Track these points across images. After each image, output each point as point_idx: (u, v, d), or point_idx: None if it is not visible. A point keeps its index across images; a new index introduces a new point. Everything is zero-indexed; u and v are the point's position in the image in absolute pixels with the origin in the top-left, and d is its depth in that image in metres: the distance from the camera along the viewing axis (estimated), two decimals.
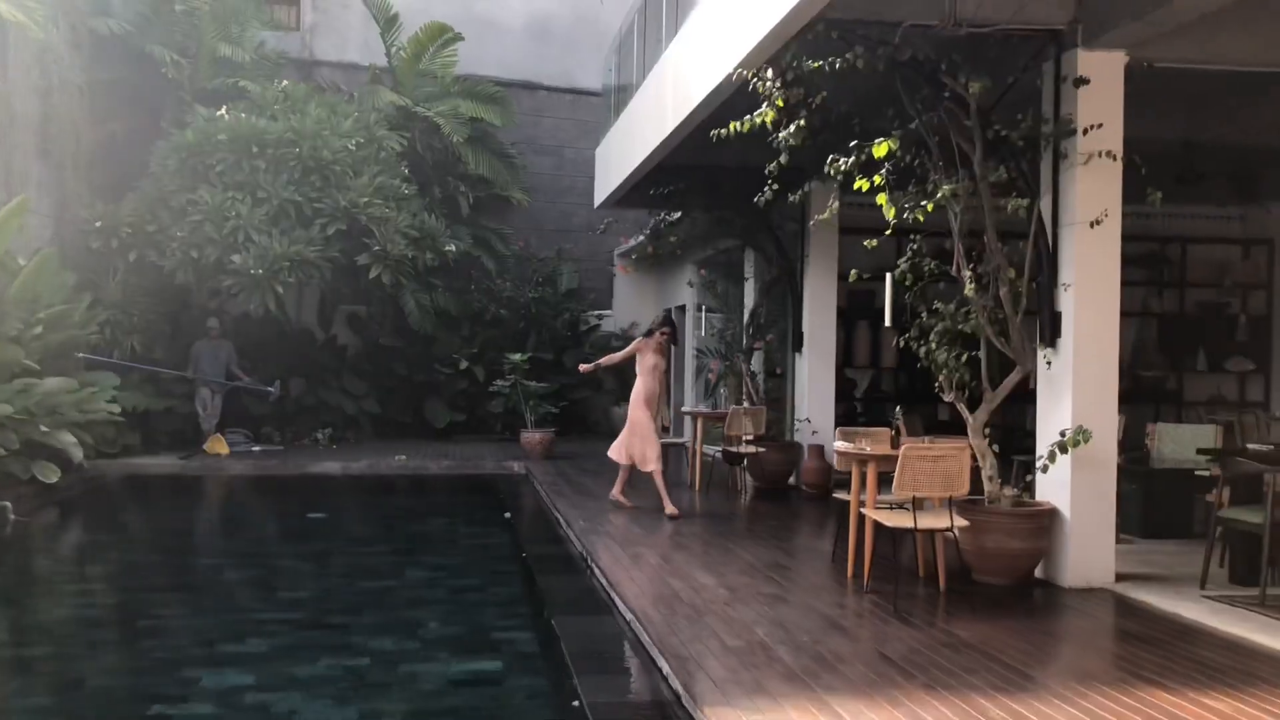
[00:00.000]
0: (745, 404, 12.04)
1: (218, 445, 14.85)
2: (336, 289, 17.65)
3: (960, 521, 6.46)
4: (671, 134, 10.30)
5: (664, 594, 6.80)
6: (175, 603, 8.00)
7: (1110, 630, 6.19)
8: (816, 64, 6.43)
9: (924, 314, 7.36)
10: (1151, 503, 8.83)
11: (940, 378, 7.23)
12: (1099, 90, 6.94)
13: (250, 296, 14.37)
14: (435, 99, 18.27)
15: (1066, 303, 7.05)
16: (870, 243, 7.29)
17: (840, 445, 7.40)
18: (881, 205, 6.85)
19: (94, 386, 13.07)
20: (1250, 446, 7.56)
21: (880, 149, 6.41)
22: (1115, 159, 6.78)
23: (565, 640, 6.12)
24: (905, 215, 6.82)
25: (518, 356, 15.60)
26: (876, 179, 6.48)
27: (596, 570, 7.64)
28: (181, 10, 16.24)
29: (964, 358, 7.04)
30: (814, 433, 11.78)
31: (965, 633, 5.88)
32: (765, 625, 6.00)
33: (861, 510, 6.78)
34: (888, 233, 7.04)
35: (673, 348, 11.26)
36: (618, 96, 14.46)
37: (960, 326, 7.02)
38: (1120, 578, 7.18)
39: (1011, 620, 6.21)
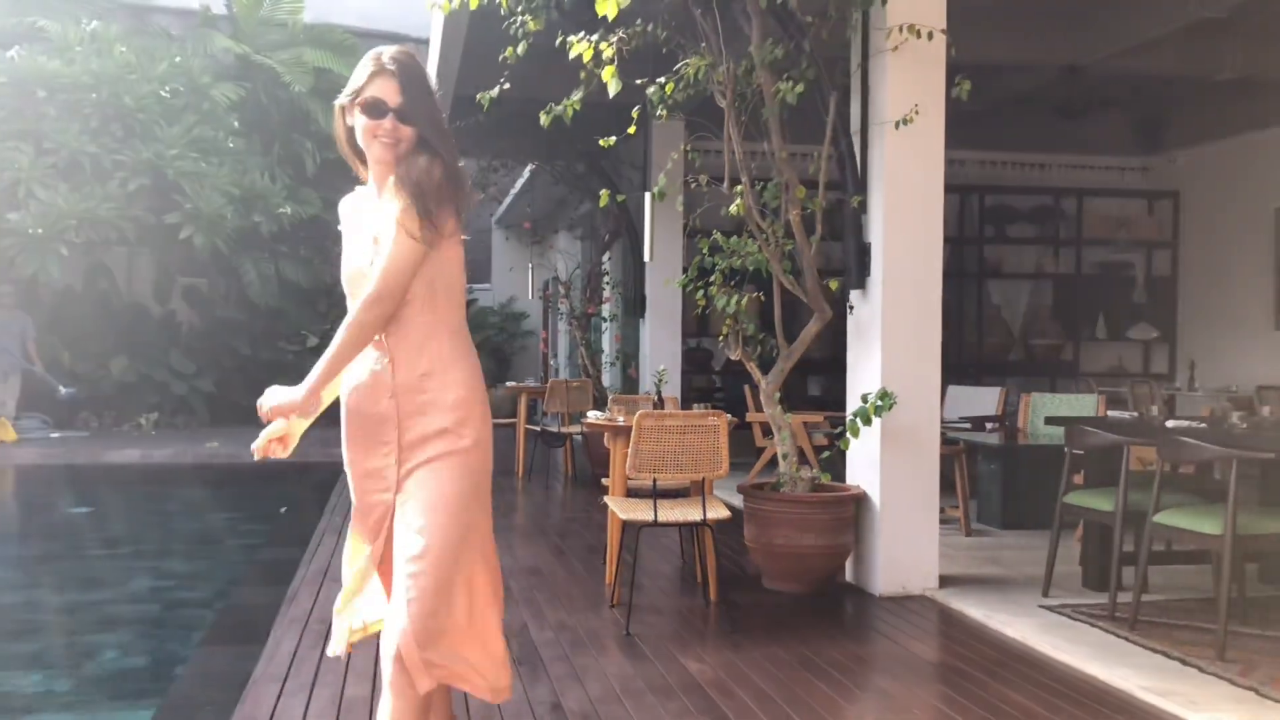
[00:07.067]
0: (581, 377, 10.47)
1: (3, 432, 13.00)
2: (168, 259, 15.86)
3: (719, 513, 4.88)
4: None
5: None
6: None
7: (900, 659, 4.48)
8: None
9: (705, 250, 5.79)
10: (1013, 487, 7.34)
11: (724, 331, 5.68)
12: None
13: (30, 260, 12.51)
14: (281, 48, 16.43)
15: (876, 231, 5.50)
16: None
17: (591, 416, 5.82)
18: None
19: None
20: (1111, 414, 6.07)
21: (605, 4, 4.77)
22: (929, 37, 5.19)
23: (184, 681, 4.54)
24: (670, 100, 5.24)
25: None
26: (604, 48, 4.87)
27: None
28: None
29: (743, 302, 5.45)
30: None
31: (700, 665, 4.31)
32: None
33: (604, 500, 5.16)
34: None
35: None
36: None
37: (737, 263, 5.44)
38: (948, 581, 5.66)
39: (777, 645, 4.60)
